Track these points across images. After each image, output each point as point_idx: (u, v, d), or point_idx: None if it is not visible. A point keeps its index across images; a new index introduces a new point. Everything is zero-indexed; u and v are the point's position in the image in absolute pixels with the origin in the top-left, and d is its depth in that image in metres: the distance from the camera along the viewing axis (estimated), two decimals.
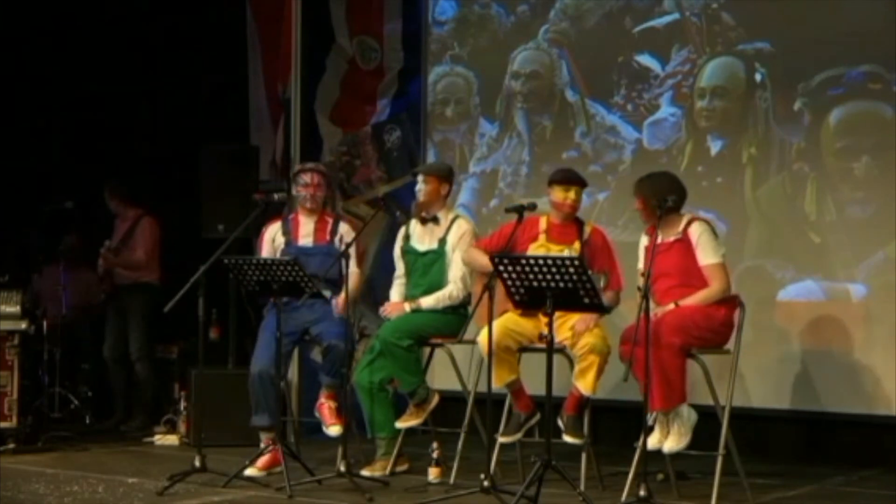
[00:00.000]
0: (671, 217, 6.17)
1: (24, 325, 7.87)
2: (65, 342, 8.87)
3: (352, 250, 6.77)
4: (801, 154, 7.65)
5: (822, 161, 7.58)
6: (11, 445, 7.64)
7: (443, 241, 6.86)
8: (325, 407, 6.95)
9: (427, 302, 6.78)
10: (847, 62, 7.47)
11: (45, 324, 8.70)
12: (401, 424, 6.83)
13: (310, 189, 7.15)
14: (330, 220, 7.25)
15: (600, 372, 6.23)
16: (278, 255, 7.06)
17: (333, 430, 6.83)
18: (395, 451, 6.85)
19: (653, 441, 6.00)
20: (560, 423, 6.29)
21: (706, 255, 6.12)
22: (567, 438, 6.25)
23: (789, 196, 7.69)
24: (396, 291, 7.04)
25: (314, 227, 7.18)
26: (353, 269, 6.91)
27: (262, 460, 6.86)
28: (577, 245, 6.42)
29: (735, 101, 7.88)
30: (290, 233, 7.17)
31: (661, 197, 6.08)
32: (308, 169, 7.24)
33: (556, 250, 6.36)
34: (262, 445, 6.96)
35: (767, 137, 7.75)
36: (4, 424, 7.70)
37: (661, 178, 6.29)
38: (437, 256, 6.86)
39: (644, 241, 6.32)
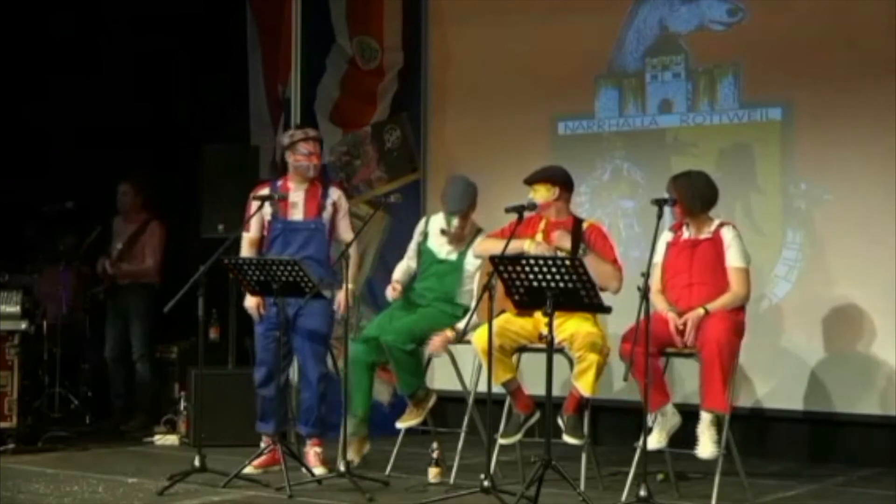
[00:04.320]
0: (702, 217, 6.27)
1: (24, 325, 7.87)
2: (65, 342, 8.87)
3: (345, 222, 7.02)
4: (800, 154, 7.67)
5: (822, 161, 7.59)
6: (11, 445, 7.63)
7: (462, 255, 6.87)
8: (312, 454, 6.94)
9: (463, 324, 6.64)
10: (848, 66, 7.47)
11: (45, 324, 8.70)
12: (401, 424, 6.85)
13: (312, 159, 7.01)
14: (320, 187, 7.09)
15: (599, 372, 6.23)
16: (266, 226, 7.01)
17: (318, 470, 6.77)
18: (363, 433, 6.88)
19: (653, 441, 6.00)
20: (560, 422, 6.29)
21: (735, 259, 6.20)
22: (567, 439, 6.25)
23: (789, 196, 7.70)
24: (401, 270, 7.09)
25: (304, 197, 7.00)
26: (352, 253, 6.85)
27: (260, 459, 6.88)
28: (566, 233, 6.45)
29: None
30: (278, 204, 6.98)
31: (699, 195, 6.21)
32: (311, 138, 7.07)
33: (547, 239, 6.46)
34: (263, 445, 6.97)
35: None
36: (4, 424, 7.69)
37: (699, 176, 6.34)
38: (454, 268, 6.88)
39: (667, 236, 6.34)
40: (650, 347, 5.84)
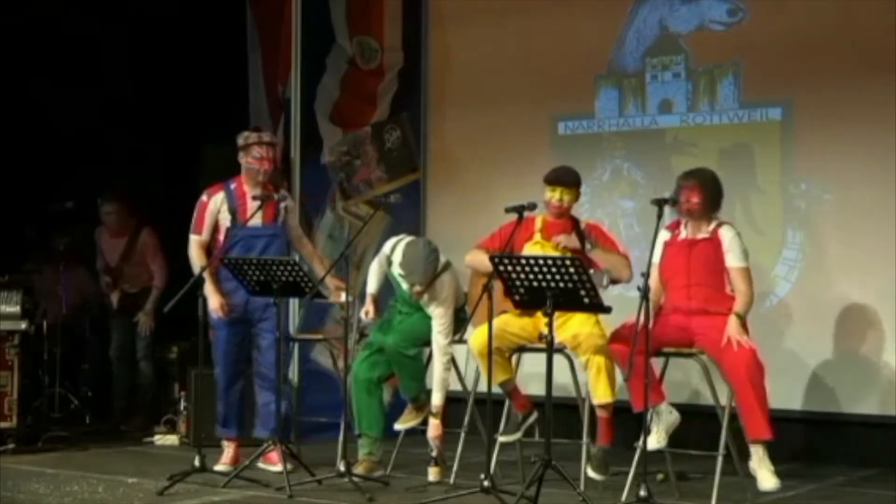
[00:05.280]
0: (705, 216, 6.21)
1: (24, 325, 7.87)
2: (65, 342, 8.87)
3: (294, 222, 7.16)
4: (800, 154, 7.67)
5: (822, 161, 7.59)
6: (11, 445, 7.64)
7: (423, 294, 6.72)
8: (274, 454, 6.82)
9: (439, 399, 6.65)
10: (848, 66, 7.47)
11: (45, 324, 8.70)
12: (400, 426, 6.84)
13: (264, 164, 7.04)
14: (275, 193, 7.13)
15: (611, 374, 6.20)
16: (222, 232, 7.01)
17: (276, 468, 6.74)
18: (379, 453, 6.83)
19: (652, 441, 5.99)
20: (587, 452, 6.28)
21: (736, 259, 6.13)
22: (591, 473, 6.21)
23: (789, 196, 7.70)
24: (377, 280, 6.94)
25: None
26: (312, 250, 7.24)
27: (229, 456, 7.01)
28: (572, 235, 6.40)
29: None
30: (237, 211, 7.00)
31: (718, 193, 6.17)
32: (264, 142, 7.09)
33: (550, 246, 6.38)
34: (225, 446, 7.06)
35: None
36: (4, 424, 7.70)
37: (710, 174, 6.27)
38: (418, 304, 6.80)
39: (665, 235, 6.28)
40: (642, 346, 5.82)
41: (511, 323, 6.37)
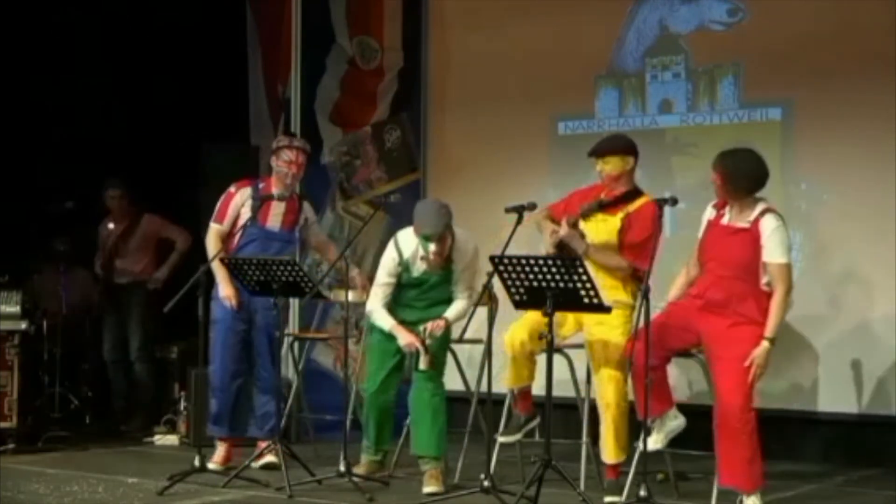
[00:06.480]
0: (746, 200, 5.90)
1: (24, 325, 7.88)
2: (65, 342, 8.87)
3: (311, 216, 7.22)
4: (800, 154, 7.67)
5: (822, 161, 7.59)
6: (11, 445, 7.64)
7: (449, 261, 6.50)
8: (271, 453, 6.84)
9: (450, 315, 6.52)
10: (847, 65, 7.47)
11: (45, 324, 8.70)
12: (429, 489, 6.41)
13: (292, 167, 7.07)
14: (297, 200, 7.20)
15: (617, 431, 6.14)
16: (238, 227, 7.04)
17: (266, 460, 6.82)
18: (389, 460, 6.82)
19: (651, 441, 5.99)
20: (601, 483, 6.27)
21: (776, 254, 5.79)
22: (609, 498, 6.15)
23: (789, 196, 7.70)
24: (386, 315, 6.55)
25: (285, 207, 7.07)
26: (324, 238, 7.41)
27: (220, 455, 7.01)
28: (619, 216, 6.24)
29: None
30: (258, 210, 7.02)
31: (745, 178, 5.87)
32: (295, 147, 7.14)
33: (600, 218, 6.24)
34: (218, 445, 7.06)
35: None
36: (4, 424, 7.70)
37: (745, 155, 6.00)
38: (442, 280, 6.56)
39: (710, 213, 6.08)
40: (657, 353, 5.80)
41: (542, 323, 6.05)
